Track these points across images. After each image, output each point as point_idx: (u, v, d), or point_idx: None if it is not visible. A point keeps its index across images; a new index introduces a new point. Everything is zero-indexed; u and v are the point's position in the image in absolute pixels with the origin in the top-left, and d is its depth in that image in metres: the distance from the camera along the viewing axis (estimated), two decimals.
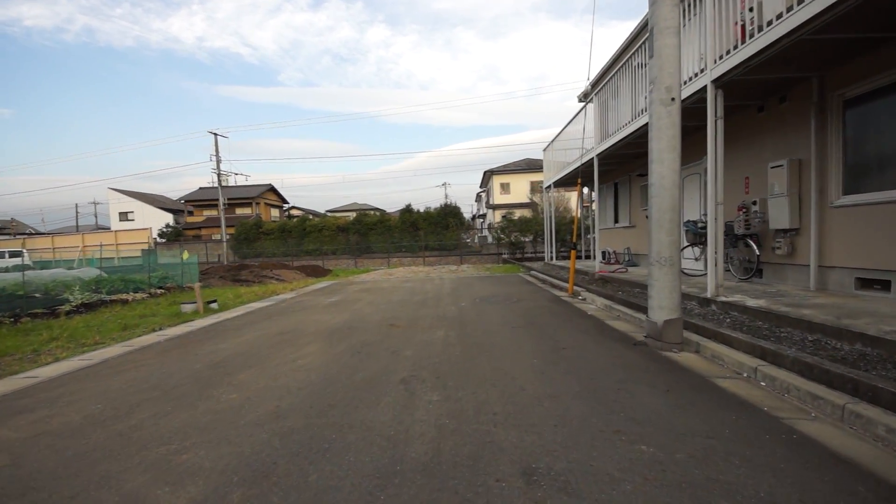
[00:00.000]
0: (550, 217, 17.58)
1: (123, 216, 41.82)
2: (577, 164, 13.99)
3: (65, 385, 4.16)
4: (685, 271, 9.77)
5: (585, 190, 26.90)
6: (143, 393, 3.76)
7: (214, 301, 9.39)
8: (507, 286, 11.15)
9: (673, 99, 5.17)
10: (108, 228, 40.29)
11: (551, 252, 18.10)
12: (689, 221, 9.71)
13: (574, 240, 9.12)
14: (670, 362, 4.30)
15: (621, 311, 6.89)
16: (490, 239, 31.84)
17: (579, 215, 19.98)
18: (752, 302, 5.94)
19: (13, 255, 27.68)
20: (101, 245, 24.46)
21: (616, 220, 15.29)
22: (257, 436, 2.81)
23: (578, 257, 20.31)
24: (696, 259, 9.91)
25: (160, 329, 7.18)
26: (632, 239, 14.01)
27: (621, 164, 14.36)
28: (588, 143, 14.43)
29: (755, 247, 7.97)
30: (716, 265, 6.65)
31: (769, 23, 5.35)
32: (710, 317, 5.86)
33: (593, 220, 16.42)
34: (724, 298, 6.32)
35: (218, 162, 30.28)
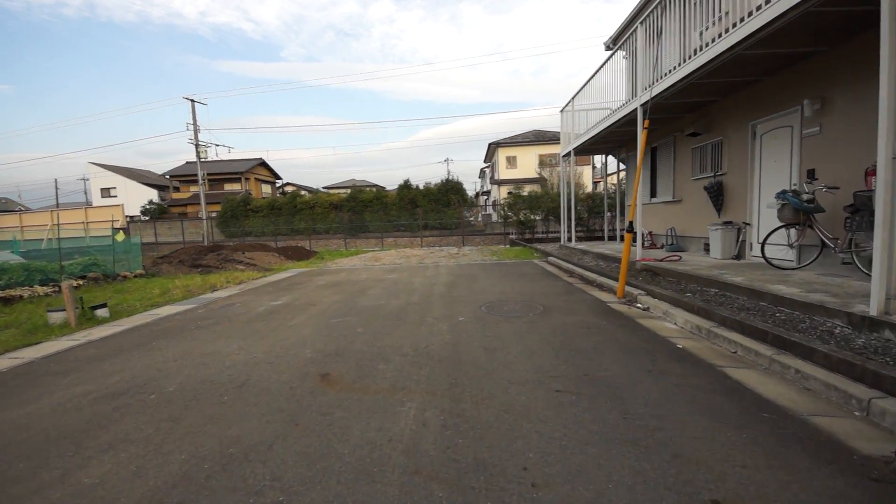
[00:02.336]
0: (570, 192, 14.34)
1: (106, 192, 38.66)
2: (607, 122, 10.69)
3: None
4: (771, 262, 6.69)
5: (598, 161, 23.63)
6: None
7: (103, 306, 6.35)
8: (523, 281, 8.03)
9: None
10: (90, 205, 37.24)
11: (568, 233, 14.92)
12: (785, 192, 6.56)
13: (632, 217, 5.94)
14: None
15: (737, 342, 3.78)
16: (495, 217, 28.64)
17: (607, 186, 16.53)
18: None
19: None
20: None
21: (653, 194, 12.04)
22: None
23: (597, 238, 17.10)
24: (791, 245, 6.81)
25: None
26: (677, 217, 10.80)
27: (663, 124, 11.05)
28: (614, 104, 11.09)
29: None
30: (890, 261, 3.66)
31: None
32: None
33: (606, 195, 13.15)
34: None
35: (196, 132, 26.92)
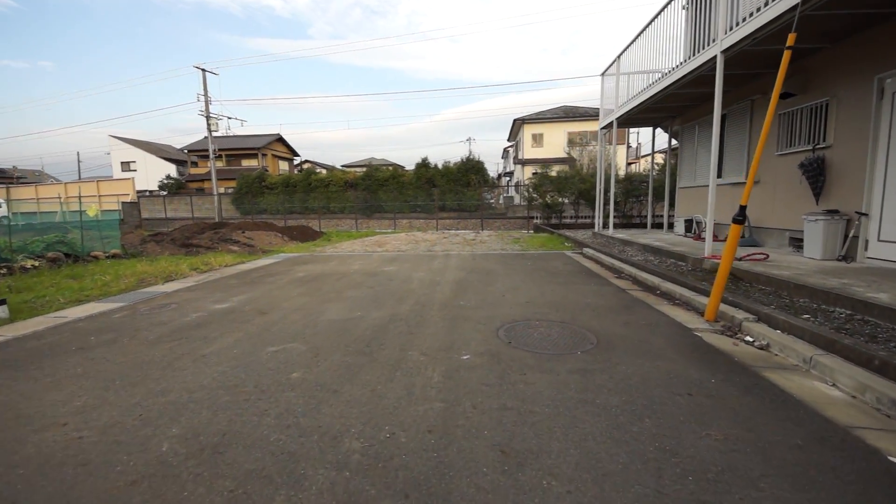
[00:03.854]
0: (610, 171, 12.05)
1: (126, 166, 37.93)
2: (668, 80, 8.35)
3: None
4: None
5: (634, 140, 21.22)
6: None
7: (2, 302, 4.70)
8: (556, 283, 5.98)
9: None
10: (110, 178, 36.62)
11: (604, 218, 12.66)
12: None
13: (745, 199, 3.74)
14: None
15: None
16: (518, 200, 26.37)
17: (653, 165, 13.83)
18: None
19: None
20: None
21: (718, 174, 9.65)
22: None
23: (635, 226, 14.71)
24: None
25: None
26: (751, 202, 8.44)
27: (736, 84, 8.61)
28: (665, 69, 8.76)
29: None
30: None
31: None
32: None
33: (651, 175, 10.40)
34: None
35: (206, 103, 25.37)
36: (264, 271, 7.31)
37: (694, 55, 7.51)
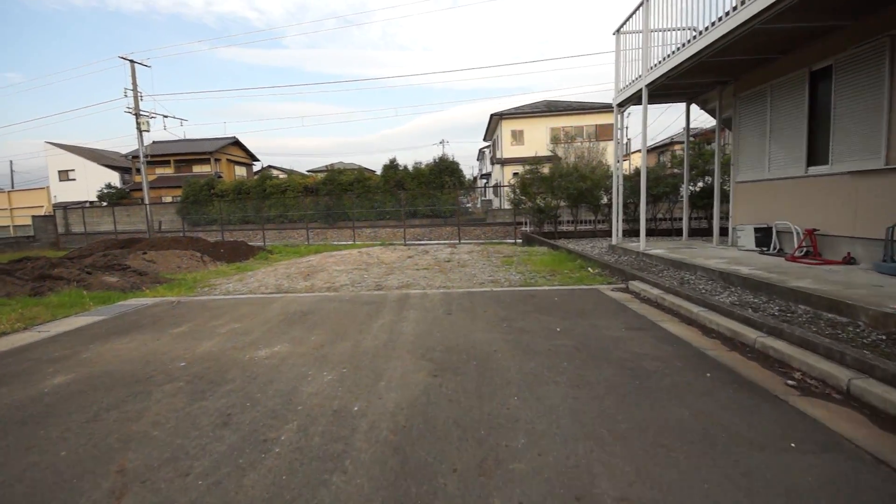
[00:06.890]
0: (642, 165, 8.47)
1: (64, 175, 32.44)
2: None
3: None
4: None
5: (625, 133, 17.94)
6: None
7: None
8: (685, 442, 2.17)
9: None
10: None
11: (622, 225, 9.05)
12: None
13: None
14: None
15: None
16: (498, 203, 22.79)
17: (688, 152, 9.65)
18: None
19: None
20: None
21: (814, 160, 6.09)
22: None
23: (664, 233, 11.13)
24: None
25: None
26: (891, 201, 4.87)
27: (856, 16, 5.15)
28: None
29: None
30: None
31: None
32: None
33: (687, 166, 6.69)
34: None
35: (136, 98, 20.73)
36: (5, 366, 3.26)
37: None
